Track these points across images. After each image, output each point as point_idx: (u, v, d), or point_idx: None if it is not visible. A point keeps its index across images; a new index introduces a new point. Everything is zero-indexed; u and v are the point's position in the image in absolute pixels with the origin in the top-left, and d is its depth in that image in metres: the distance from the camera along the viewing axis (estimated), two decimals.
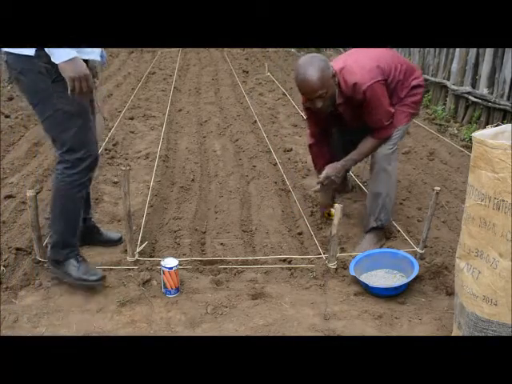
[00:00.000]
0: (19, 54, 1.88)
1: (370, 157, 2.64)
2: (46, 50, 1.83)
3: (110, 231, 2.69)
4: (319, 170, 2.71)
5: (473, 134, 1.58)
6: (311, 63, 2.29)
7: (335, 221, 2.26)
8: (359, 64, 2.40)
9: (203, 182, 3.49)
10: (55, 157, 2.29)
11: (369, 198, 2.64)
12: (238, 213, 3.00)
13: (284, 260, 2.49)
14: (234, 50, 9.50)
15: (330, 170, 2.56)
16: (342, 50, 8.05)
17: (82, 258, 2.29)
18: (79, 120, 2.04)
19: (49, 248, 2.26)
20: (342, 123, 2.67)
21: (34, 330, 1.97)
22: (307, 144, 2.90)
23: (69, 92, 1.89)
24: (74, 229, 2.22)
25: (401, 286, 2.21)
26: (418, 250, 2.49)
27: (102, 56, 2.10)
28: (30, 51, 1.87)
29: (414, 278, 2.23)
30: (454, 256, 2.05)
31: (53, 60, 1.84)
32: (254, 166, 3.72)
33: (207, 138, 4.46)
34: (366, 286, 2.22)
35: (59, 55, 1.82)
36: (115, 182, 3.36)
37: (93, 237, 2.56)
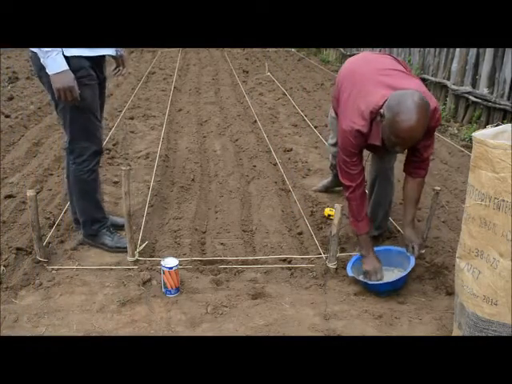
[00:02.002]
0: None
1: (371, 164, 2.61)
2: (42, 61, 2.09)
3: (117, 216, 2.80)
4: (363, 219, 2.30)
5: (473, 134, 1.58)
6: (421, 108, 1.89)
7: (335, 221, 2.26)
8: (421, 88, 2.09)
9: (203, 181, 3.49)
10: (63, 147, 2.43)
11: (370, 206, 2.59)
12: (238, 213, 3.00)
13: (284, 260, 2.49)
14: (234, 50, 9.51)
15: (415, 237, 2.31)
16: (342, 50, 8.06)
17: (114, 229, 2.60)
18: (85, 115, 2.29)
19: (81, 227, 2.57)
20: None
21: (34, 329, 1.97)
22: (351, 196, 2.28)
23: (56, 98, 2.19)
24: (97, 205, 2.53)
25: (399, 280, 2.20)
26: None
27: (116, 50, 2.39)
28: None
29: (415, 278, 2.23)
30: (454, 256, 2.05)
31: (47, 71, 2.11)
32: (254, 166, 3.72)
33: (207, 137, 4.46)
34: (366, 284, 2.22)
35: (52, 67, 2.08)
36: (115, 182, 3.37)
37: None
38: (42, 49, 2.02)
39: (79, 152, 2.37)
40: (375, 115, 2.07)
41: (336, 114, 2.60)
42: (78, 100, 2.21)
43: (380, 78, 2.15)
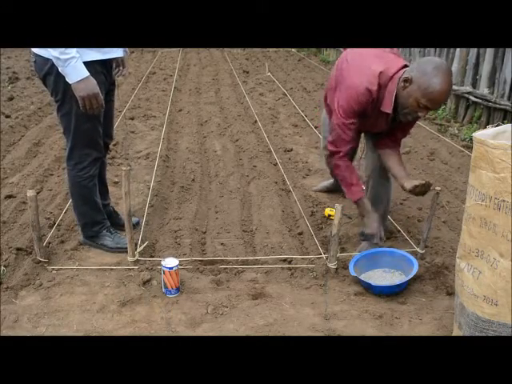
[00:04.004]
0: (47, 58, 2.06)
1: (366, 161, 2.62)
2: (61, 69, 2.01)
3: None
4: (357, 183, 2.33)
5: (473, 134, 1.58)
6: (448, 72, 2.03)
7: (335, 221, 2.25)
8: None
9: (203, 181, 3.49)
10: (62, 151, 2.36)
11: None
12: (238, 213, 3.00)
13: (284, 260, 2.49)
14: (235, 50, 9.51)
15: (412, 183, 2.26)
16: (341, 49, 8.06)
17: (114, 229, 2.59)
18: (89, 122, 2.23)
19: (80, 229, 2.57)
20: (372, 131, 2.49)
21: (34, 329, 1.97)
22: (339, 162, 2.31)
23: (81, 108, 2.10)
24: (96, 208, 2.49)
25: (403, 283, 2.21)
26: (418, 250, 2.49)
27: (124, 50, 2.36)
28: None
29: (415, 278, 2.24)
30: (454, 256, 2.05)
31: (67, 80, 2.03)
32: (255, 166, 3.72)
33: (207, 137, 4.46)
34: (369, 285, 2.22)
35: (72, 76, 2.01)
36: (116, 182, 3.36)
37: (112, 221, 2.66)
38: (60, 57, 1.94)
39: (79, 159, 2.32)
40: (388, 80, 2.12)
41: (327, 106, 2.66)
42: (103, 107, 2.17)
43: (383, 56, 2.22)
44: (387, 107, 2.17)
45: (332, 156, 2.31)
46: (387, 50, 2.34)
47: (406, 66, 2.18)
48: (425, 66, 2.03)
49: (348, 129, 2.22)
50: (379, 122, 2.30)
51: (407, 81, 2.07)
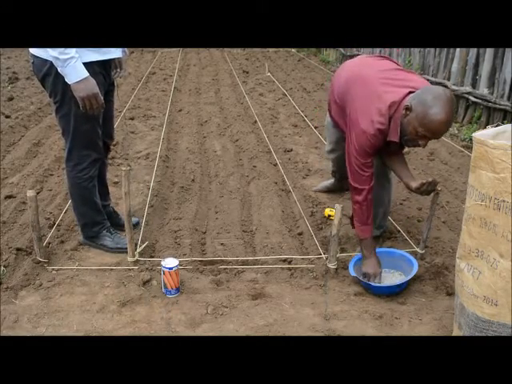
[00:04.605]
0: (46, 59, 2.06)
1: None
2: (60, 70, 2.01)
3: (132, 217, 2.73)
4: (370, 223, 2.31)
5: (473, 134, 1.58)
6: (452, 103, 1.97)
7: (335, 221, 2.25)
8: (428, 84, 2.20)
9: (203, 182, 3.49)
10: (62, 151, 2.35)
11: None
12: (238, 213, 3.00)
13: (284, 260, 2.49)
14: (235, 50, 9.52)
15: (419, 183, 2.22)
16: (342, 50, 8.07)
17: (114, 230, 2.59)
18: (88, 123, 2.23)
19: (80, 229, 2.57)
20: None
21: (34, 330, 1.97)
22: (361, 200, 2.26)
23: (81, 108, 2.10)
24: (96, 209, 2.49)
25: (403, 283, 2.21)
26: (418, 250, 2.49)
27: (123, 51, 2.36)
28: None
29: (415, 278, 2.23)
30: (454, 256, 2.05)
31: (66, 80, 2.03)
32: (255, 167, 3.72)
33: (207, 138, 4.46)
34: (369, 285, 2.22)
35: (72, 76, 2.01)
36: (115, 182, 3.37)
37: (112, 221, 2.67)
38: (60, 57, 1.94)
39: (79, 160, 2.31)
40: (394, 110, 2.09)
41: (331, 117, 2.60)
42: (104, 107, 2.17)
43: (389, 79, 2.18)
44: (394, 137, 2.15)
45: (357, 192, 2.28)
46: (386, 66, 2.28)
47: (410, 92, 2.11)
48: (425, 95, 1.98)
49: (367, 167, 2.23)
50: (389, 148, 2.29)
51: (408, 109, 2.03)
